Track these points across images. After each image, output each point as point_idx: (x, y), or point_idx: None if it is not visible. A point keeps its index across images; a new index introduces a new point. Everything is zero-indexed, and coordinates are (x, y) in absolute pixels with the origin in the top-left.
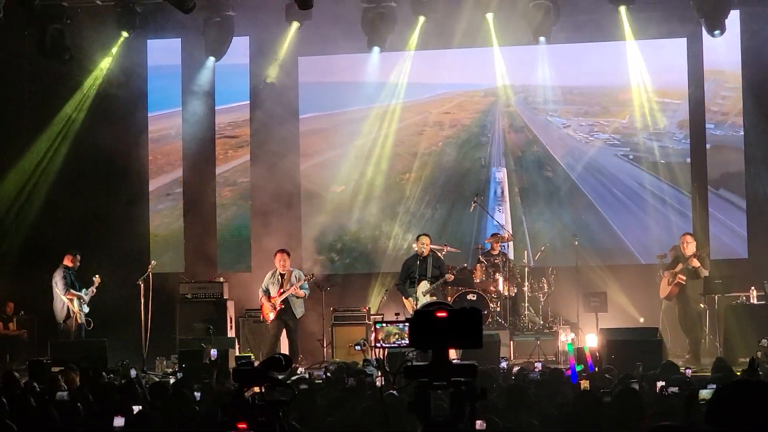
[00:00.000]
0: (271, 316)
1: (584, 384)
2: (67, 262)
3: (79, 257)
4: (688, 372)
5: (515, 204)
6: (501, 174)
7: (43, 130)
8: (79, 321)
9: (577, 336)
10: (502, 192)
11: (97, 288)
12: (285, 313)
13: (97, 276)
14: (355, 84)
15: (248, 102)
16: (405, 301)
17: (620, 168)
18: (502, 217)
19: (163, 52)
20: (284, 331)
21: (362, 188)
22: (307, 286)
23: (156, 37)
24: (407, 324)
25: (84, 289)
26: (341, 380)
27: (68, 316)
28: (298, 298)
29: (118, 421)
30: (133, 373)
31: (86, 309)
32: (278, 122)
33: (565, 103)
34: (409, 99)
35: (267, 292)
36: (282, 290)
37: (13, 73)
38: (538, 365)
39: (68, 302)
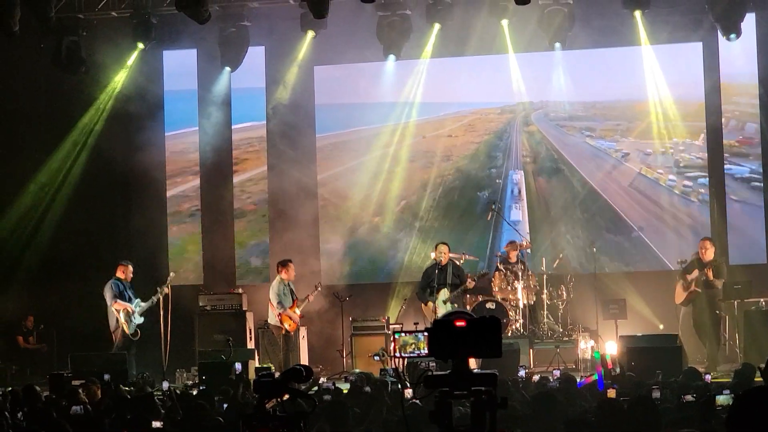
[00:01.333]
0: (290, 326)
1: (611, 392)
2: (118, 273)
3: (131, 267)
4: (708, 378)
5: (532, 211)
6: (518, 176)
7: (60, 143)
8: (127, 332)
9: (597, 343)
10: (519, 191)
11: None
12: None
13: (166, 287)
14: (370, 95)
15: (264, 112)
16: (424, 307)
17: (637, 175)
18: (520, 214)
19: (179, 63)
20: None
21: (379, 199)
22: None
23: (172, 48)
24: (424, 333)
25: (137, 300)
26: (358, 390)
27: (117, 326)
28: None
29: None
30: (165, 385)
31: (138, 320)
32: (295, 133)
33: (581, 112)
34: (426, 114)
35: (282, 304)
36: (299, 300)
37: (29, 86)
38: (557, 373)
39: (115, 313)
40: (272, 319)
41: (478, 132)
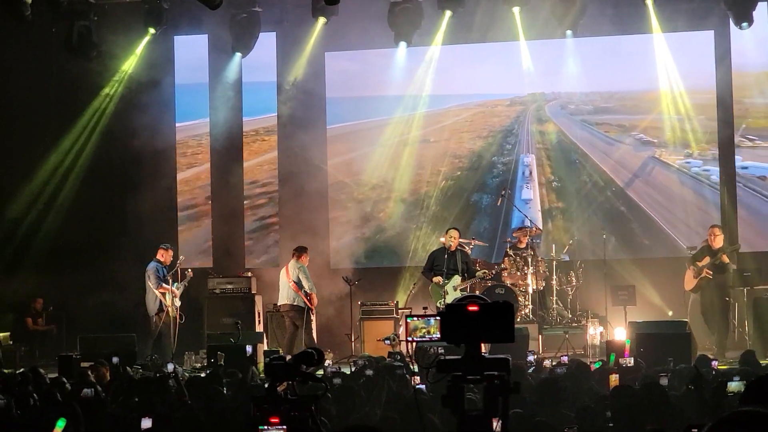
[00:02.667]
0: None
1: (614, 380)
2: (159, 256)
3: (171, 251)
4: (714, 364)
5: (543, 197)
6: (529, 159)
7: (71, 127)
8: (172, 315)
9: (606, 329)
10: (531, 173)
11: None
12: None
13: (189, 270)
14: (381, 84)
15: (275, 97)
16: (431, 286)
17: (648, 162)
18: (531, 193)
19: (190, 49)
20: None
21: (389, 185)
22: None
23: (183, 33)
24: (436, 318)
25: (176, 283)
26: (360, 374)
27: (160, 309)
28: None
29: (146, 423)
30: (170, 367)
31: (178, 303)
32: (305, 120)
33: (593, 100)
34: (438, 104)
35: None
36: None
37: (41, 70)
38: (565, 359)
39: (161, 296)
40: (294, 300)
41: (489, 121)
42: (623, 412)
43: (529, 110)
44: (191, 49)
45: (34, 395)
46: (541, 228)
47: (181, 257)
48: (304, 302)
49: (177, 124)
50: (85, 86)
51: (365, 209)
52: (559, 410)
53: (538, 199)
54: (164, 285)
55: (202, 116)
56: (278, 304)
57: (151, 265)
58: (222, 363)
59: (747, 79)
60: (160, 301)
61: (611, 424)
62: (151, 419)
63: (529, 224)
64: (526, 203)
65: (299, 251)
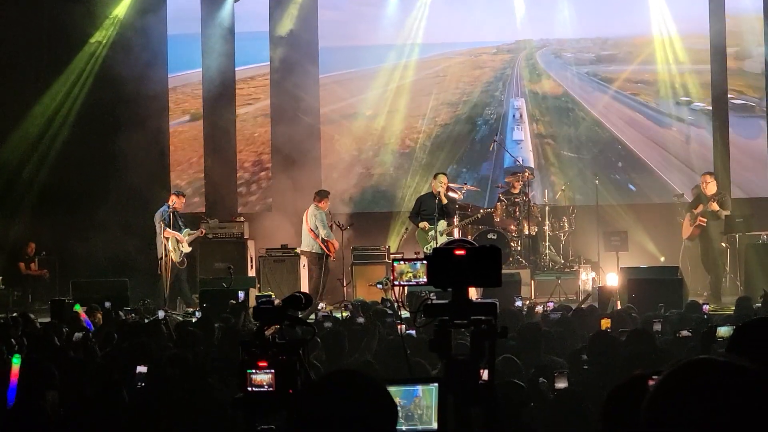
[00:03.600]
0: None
1: (605, 323)
2: (170, 201)
3: (183, 198)
4: (705, 308)
5: (536, 145)
6: (519, 102)
7: (62, 71)
8: (175, 260)
9: (598, 275)
10: (521, 115)
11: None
12: None
13: (203, 230)
14: (372, 34)
15: (268, 46)
16: (417, 231)
17: (642, 109)
18: (522, 134)
19: None
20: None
21: (381, 132)
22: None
23: None
24: (423, 262)
25: (187, 229)
26: (352, 321)
27: (165, 253)
28: None
29: (141, 369)
30: (161, 314)
31: (186, 249)
32: (298, 67)
33: (585, 46)
34: (429, 52)
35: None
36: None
37: (33, 14)
38: (550, 305)
39: (164, 241)
40: (312, 247)
41: (480, 68)
42: (601, 357)
43: (519, 57)
44: None
45: (24, 340)
46: (533, 173)
47: (173, 201)
48: (321, 249)
49: (170, 73)
50: (76, 30)
51: (358, 156)
52: (540, 355)
53: (529, 139)
54: (168, 230)
55: (195, 64)
56: (300, 250)
57: (160, 210)
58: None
59: (740, 23)
60: (165, 246)
61: (586, 367)
62: (146, 367)
63: (521, 168)
64: (518, 144)
65: (320, 195)
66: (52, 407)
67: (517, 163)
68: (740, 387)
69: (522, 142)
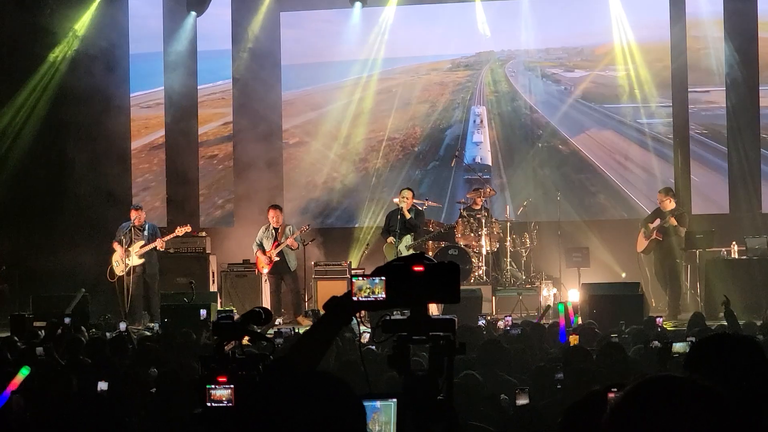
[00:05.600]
0: (266, 269)
1: (573, 339)
2: (131, 215)
3: (140, 212)
4: (659, 320)
5: (497, 159)
6: (480, 110)
7: (22, 85)
8: (116, 272)
9: (559, 291)
10: (481, 121)
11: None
12: (280, 265)
13: (162, 243)
14: (336, 48)
15: (230, 55)
16: (384, 247)
17: (603, 123)
18: (481, 137)
19: (144, 7)
20: (282, 285)
21: (343, 146)
22: (300, 238)
23: None
24: (381, 278)
25: (141, 242)
26: None
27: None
28: (292, 249)
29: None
30: (122, 326)
31: (136, 260)
32: (260, 78)
33: (547, 58)
34: (392, 65)
35: (261, 246)
36: (277, 243)
37: None
38: (508, 319)
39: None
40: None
41: (442, 82)
42: (579, 374)
43: (482, 69)
44: (145, 7)
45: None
46: (495, 189)
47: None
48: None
49: (132, 92)
50: (38, 43)
51: (320, 171)
52: (495, 372)
53: (488, 141)
54: (115, 242)
55: (157, 82)
56: None
57: (120, 226)
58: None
59: (700, 32)
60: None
61: (559, 386)
62: (107, 382)
63: (482, 184)
64: (477, 145)
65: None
66: (18, 411)
67: (476, 161)
68: (698, 405)
69: (481, 144)
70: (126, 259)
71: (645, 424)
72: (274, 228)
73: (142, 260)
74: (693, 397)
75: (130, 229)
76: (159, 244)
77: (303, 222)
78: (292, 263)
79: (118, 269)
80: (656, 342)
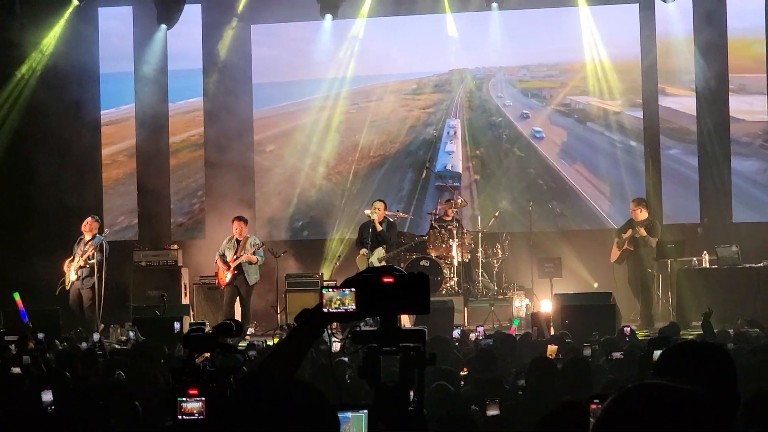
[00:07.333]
0: (226, 280)
1: (551, 349)
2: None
3: (85, 221)
4: (627, 330)
5: (468, 170)
6: (454, 122)
7: None
8: (65, 286)
9: (531, 301)
10: (455, 132)
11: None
12: (238, 279)
13: (95, 254)
14: (307, 64)
15: (201, 71)
16: (357, 259)
17: (575, 134)
18: (454, 147)
19: (115, 20)
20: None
21: (314, 159)
22: (262, 253)
23: (107, 4)
24: (351, 289)
25: (79, 257)
26: None
27: (99, 280)
28: (251, 264)
29: (46, 396)
30: (95, 337)
31: (72, 275)
32: (231, 93)
33: (520, 73)
34: (362, 82)
35: (223, 257)
36: (236, 256)
37: None
38: (480, 329)
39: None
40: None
41: (415, 97)
42: (540, 383)
43: (454, 86)
44: (115, 20)
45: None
46: (466, 201)
47: (105, 230)
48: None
49: (101, 97)
50: (9, 58)
51: (291, 183)
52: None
53: (460, 150)
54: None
55: (127, 87)
56: None
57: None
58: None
59: (671, 49)
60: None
61: (520, 393)
62: (51, 391)
63: (451, 194)
64: (449, 154)
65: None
66: None
67: (447, 169)
68: (688, 410)
69: (453, 153)
70: (70, 273)
71: (635, 430)
72: (237, 240)
73: (75, 276)
74: (680, 402)
75: (80, 241)
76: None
77: (274, 234)
78: (252, 277)
79: (67, 283)
80: (617, 354)
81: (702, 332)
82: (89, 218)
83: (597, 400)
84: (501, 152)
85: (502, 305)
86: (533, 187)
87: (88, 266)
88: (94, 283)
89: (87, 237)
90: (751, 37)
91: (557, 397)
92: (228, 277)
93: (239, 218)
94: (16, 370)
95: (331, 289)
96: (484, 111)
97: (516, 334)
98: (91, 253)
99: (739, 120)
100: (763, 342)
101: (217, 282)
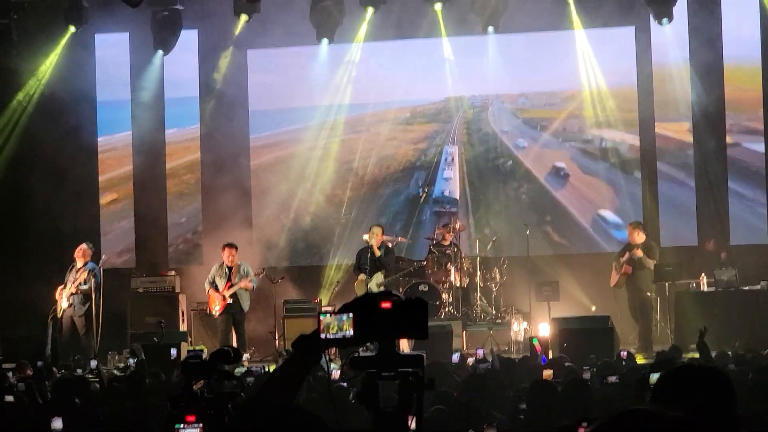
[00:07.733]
0: (217, 308)
1: (546, 374)
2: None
3: (81, 248)
4: (623, 354)
5: (466, 195)
6: (452, 149)
7: None
8: (57, 313)
9: (530, 325)
10: (452, 159)
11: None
12: (233, 306)
13: (88, 281)
14: (304, 92)
15: (198, 97)
16: (356, 285)
17: (572, 160)
18: (451, 173)
19: (111, 47)
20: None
21: (312, 184)
22: (255, 280)
23: (104, 31)
24: (348, 315)
25: (70, 284)
26: None
27: (96, 307)
28: (246, 291)
29: (56, 424)
30: (93, 363)
31: (64, 303)
32: (228, 118)
33: (517, 98)
34: (361, 110)
35: (214, 284)
36: (230, 283)
37: None
38: (480, 352)
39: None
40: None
41: (412, 123)
42: (541, 406)
43: (452, 110)
44: (112, 47)
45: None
46: (464, 225)
47: (103, 257)
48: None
49: (98, 124)
50: (5, 86)
51: (289, 209)
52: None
53: (457, 177)
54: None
55: (124, 114)
56: None
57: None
58: (143, 357)
59: (667, 73)
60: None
61: (522, 416)
62: (61, 419)
63: (449, 219)
64: (447, 180)
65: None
66: None
67: (444, 194)
68: None
69: (451, 179)
70: (62, 300)
71: None
72: (228, 267)
73: (66, 302)
74: (667, 430)
75: (72, 268)
76: (74, 289)
77: (272, 260)
78: (246, 304)
79: (59, 310)
80: (612, 378)
81: (698, 353)
82: (83, 245)
83: (585, 423)
84: (498, 178)
85: (501, 329)
86: (530, 211)
87: (80, 294)
88: (88, 310)
89: (79, 264)
90: (748, 66)
91: (558, 420)
92: (222, 305)
93: (230, 245)
94: (10, 398)
95: (328, 315)
96: (481, 138)
97: (515, 358)
98: (82, 279)
99: (735, 145)
100: (765, 363)
101: (207, 310)
